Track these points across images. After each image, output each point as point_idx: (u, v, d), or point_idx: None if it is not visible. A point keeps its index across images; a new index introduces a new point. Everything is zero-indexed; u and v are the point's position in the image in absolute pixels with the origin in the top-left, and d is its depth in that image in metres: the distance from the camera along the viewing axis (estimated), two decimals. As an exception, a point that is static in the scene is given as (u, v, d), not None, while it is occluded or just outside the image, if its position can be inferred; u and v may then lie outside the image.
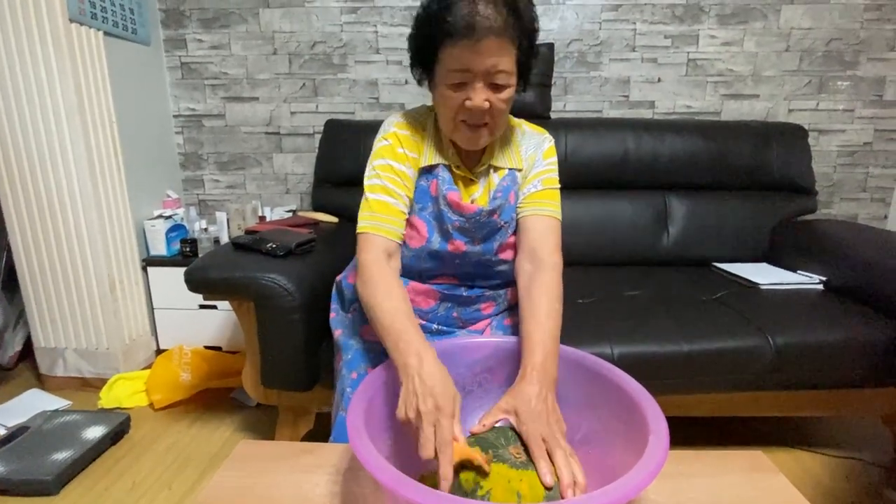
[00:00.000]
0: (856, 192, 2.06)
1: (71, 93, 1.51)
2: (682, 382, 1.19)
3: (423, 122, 0.89)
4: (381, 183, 0.84)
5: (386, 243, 0.82)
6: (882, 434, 1.46)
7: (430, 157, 0.87)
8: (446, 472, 0.52)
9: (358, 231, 0.84)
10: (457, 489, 0.53)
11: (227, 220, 1.90)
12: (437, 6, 0.73)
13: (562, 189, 0.90)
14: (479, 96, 0.75)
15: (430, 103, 0.90)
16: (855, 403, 1.27)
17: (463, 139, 0.82)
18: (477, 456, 0.53)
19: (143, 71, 1.90)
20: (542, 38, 2.10)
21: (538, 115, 1.77)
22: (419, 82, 0.84)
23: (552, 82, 1.80)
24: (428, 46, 0.77)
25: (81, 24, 1.54)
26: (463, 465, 0.54)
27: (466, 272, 0.92)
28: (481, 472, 0.53)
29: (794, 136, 1.78)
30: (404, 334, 0.67)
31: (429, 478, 0.54)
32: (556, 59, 1.86)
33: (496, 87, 0.76)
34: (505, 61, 0.73)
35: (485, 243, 0.89)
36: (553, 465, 0.55)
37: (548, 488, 0.53)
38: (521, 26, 0.74)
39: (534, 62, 0.81)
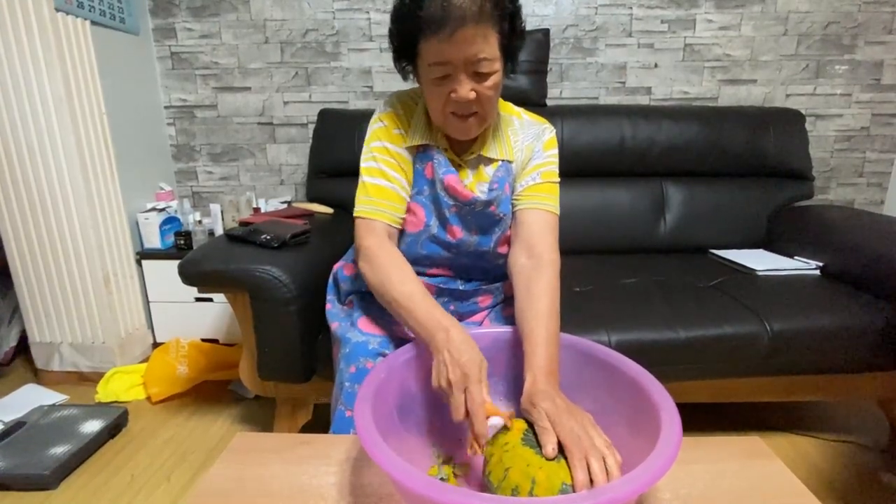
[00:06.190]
0: (853, 177, 2.06)
1: (59, 84, 1.48)
2: (679, 369, 1.19)
3: (416, 99, 0.87)
4: (377, 166, 0.83)
5: (387, 228, 0.81)
6: (878, 418, 1.47)
7: (418, 135, 0.85)
8: (481, 430, 0.56)
9: (356, 215, 0.82)
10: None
11: (222, 212, 1.89)
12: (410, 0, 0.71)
13: (559, 177, 0.89)
14: (464, 88, 0.73)
15: None
16: (851, 388, 1.28)
17: (454, 130, 0.80)
18: (502, 413, 0.58)
19: (132, 61, 1.86)
20: (537, 23, 2.07)
21: (533, 102, 1.75)
22: (404, 77, 0.82)
23: (548, 69, 1.78)
24: (407, 42, 0.75)
25: (67, 13, 1.51)
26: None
27: (463, 264, 0.91)
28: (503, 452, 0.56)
29: (791, 122, 1.77)
30: (426, 313, 0.68)
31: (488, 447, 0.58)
32: (551, 45, 1.84)
33: (480, 76, 0.73)
34: (486, 48, 0.70)
35: (483, 235, 0.88)
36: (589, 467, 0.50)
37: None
38: (501, 8, 0.71)
39: (520, 43, 0.77)
